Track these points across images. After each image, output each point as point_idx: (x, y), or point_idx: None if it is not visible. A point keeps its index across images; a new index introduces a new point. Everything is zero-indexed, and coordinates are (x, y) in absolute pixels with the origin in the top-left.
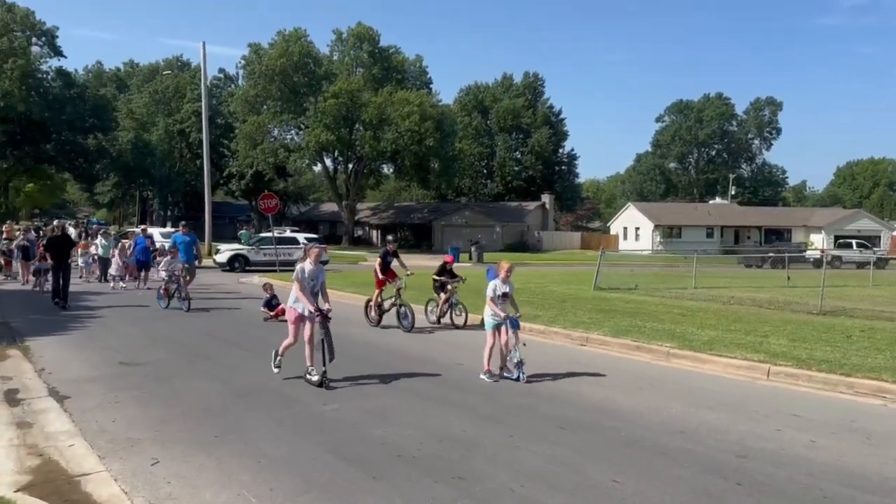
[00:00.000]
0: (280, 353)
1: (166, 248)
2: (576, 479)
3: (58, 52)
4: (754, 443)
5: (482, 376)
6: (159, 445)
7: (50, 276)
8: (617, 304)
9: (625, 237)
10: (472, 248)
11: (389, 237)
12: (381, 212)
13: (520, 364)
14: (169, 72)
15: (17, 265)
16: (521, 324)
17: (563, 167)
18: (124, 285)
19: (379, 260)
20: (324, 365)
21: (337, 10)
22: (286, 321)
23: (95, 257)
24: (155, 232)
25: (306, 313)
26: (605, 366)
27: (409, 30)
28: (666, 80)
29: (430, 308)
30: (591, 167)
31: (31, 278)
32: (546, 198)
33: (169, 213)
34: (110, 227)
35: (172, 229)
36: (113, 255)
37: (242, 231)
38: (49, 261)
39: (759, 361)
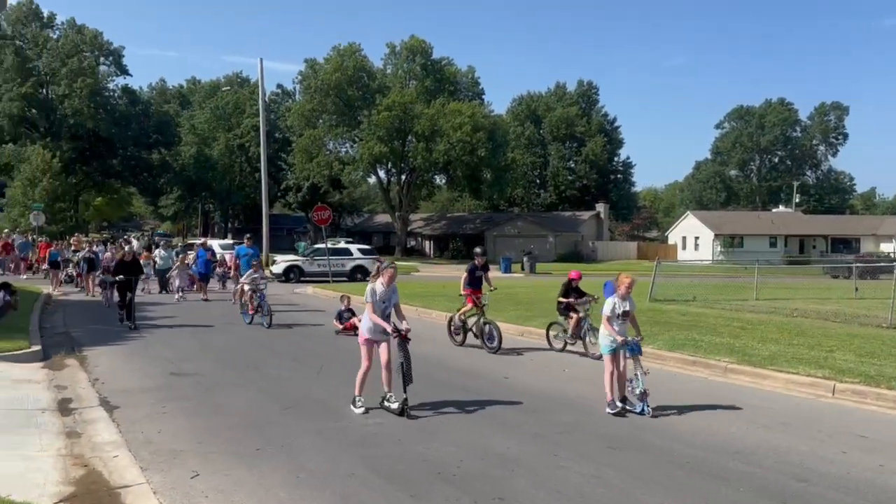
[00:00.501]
0: (358, 391)
1: (226, 259)
2: (621, 502)
3: (124, 71)
4: (817, 465)
5: (607, 410)
6: (201, 457)
7: (116, 293)
8: (673, 316)
9: (684, 247)
10: (525, 259)
11: (477, 249)
12: (433, 222)
13: (644, 395)
14: (228, 88)
15: (83, 277)
16: None
17: (618, 176)
18: (185, 296)
19: (465, 275)
20: (404, 391)
21: (391, 24)
22: (356, 335)
23: (154, 267)
24: (214, 244)
25: (375, 336)
26: (659, 381)
27: (462, 41)
28: (726, 86)
29: (553, 333)
30: (648, 175)
31: (98, 290)
32: (601, 207)
33: (229, 225)
34: (173, 239)
35: (232, 241)
36: (174, 267)
37: (300, 242)
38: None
39: (823, 378)
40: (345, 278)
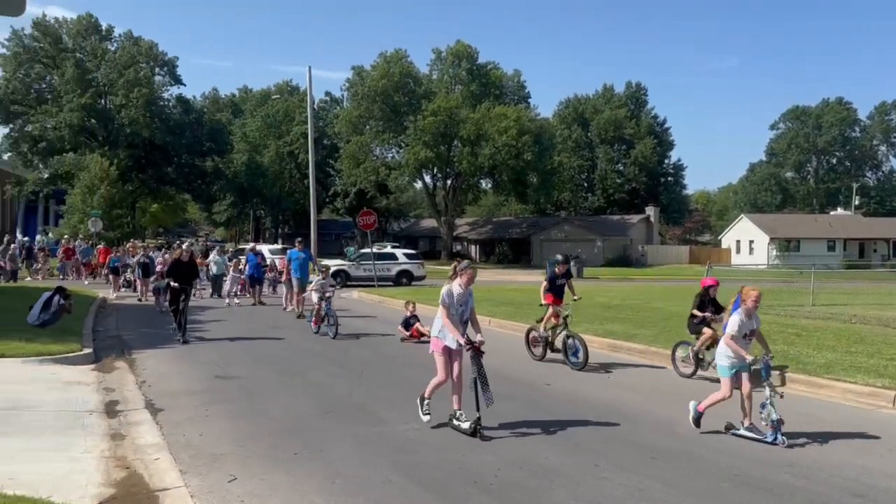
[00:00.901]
0: (427, 396)
1: (276, 264)
2: None
3: (178, 81)
4: (875, 481)
5: (690, 413)
6: (240, 461)
7: (168, 299)
8: None
9: (738, 251)
10: (572, 263)
11: (559, 256)
12: (479, 227)
13: (778, 424)
14: (278, 96)
15: (138, 282)
16: (618, 343)
17: (668, 178)
18: (238, 301)
19: (545, 283)
20: (477, 410)
21: (436, 28)
22: (424, 342)
23: (208, 274)
24: (264, 249)
25: (454, 345)
26: (710, 390)
27: (507, 44)
28: (780, 87)
29: (680, 355)
30: (700, 178)
31: (151, 295)
32: (650, 210)
33: (280, 230)
34: (226, 244)
35: (282, 246)
36: (228, 272)
37: (349, 247)
38: (166, 281)
39: (883, 387)
40: (390, 283)
